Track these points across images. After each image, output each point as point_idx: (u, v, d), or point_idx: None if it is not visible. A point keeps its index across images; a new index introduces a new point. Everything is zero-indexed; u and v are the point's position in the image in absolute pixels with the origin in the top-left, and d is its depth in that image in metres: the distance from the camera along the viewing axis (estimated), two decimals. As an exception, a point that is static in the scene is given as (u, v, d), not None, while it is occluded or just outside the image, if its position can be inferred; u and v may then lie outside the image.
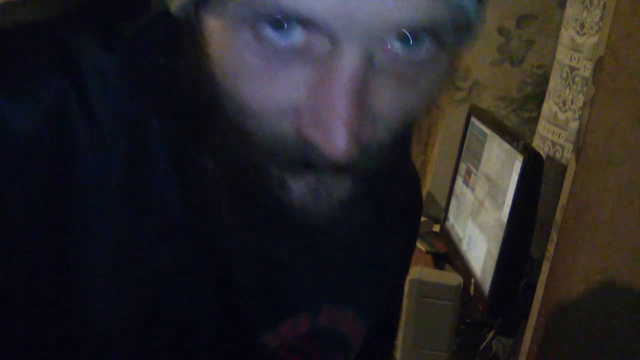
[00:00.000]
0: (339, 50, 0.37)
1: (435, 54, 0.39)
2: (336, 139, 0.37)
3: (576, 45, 1.28)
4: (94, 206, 0.41)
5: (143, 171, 0.43)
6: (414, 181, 0.63)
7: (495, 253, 1.15)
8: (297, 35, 0.37)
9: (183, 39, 0.40)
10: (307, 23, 0.36)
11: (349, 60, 0.37)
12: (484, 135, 1.37)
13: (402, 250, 0.64)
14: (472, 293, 1.24)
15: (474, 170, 1.40)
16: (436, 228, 1.72)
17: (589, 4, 1.25)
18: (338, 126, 0.37)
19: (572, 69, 1.29)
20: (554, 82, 1.37)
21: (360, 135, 0.38)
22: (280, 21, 0.36)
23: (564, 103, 1.32)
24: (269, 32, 0.37)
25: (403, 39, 0.38)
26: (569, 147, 1.27)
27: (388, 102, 0.40)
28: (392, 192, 0.47)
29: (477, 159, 1.39)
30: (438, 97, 0.44)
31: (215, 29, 0.38)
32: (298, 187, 0.41)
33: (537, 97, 1.65)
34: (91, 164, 0.41)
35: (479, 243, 1.27)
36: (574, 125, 1.24)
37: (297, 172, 0.41)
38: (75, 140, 0.40)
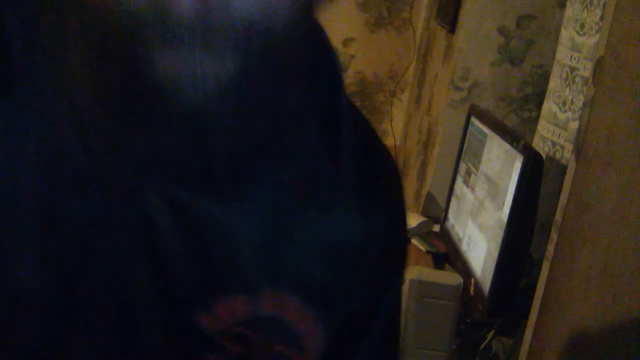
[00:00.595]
0: None
1: None
2: None
3: (576, 45, 1.28)
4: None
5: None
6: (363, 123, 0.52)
7: (495, 253, 1.15)
8: None
9: None
10: None
11: None
12: (484, 135, 1.37)
13: (367, 226, 0.49)
14: (472, 293, 1.24)
15: (474, 170, 1.40)
16: (436, 228, 1.72)
17: (589, 4, 1.25)
18: None
19: (572, 69, 1.29)
20: (554, 82, 1.37)
21: None
22: None
23: (564, 103, 1.32)
24: None
25: None
26: (569, 147, 1.27)
27: None
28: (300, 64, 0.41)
29: (477, 159, 1.39)
30: None
31: None
32: (167, 65, 0.36)
33: (537, 97, 1.65)
34: None
35: (479, 243, 1.27)
36: (574, 125, 1.24)
37: (166, 43, 0.35)
38: None
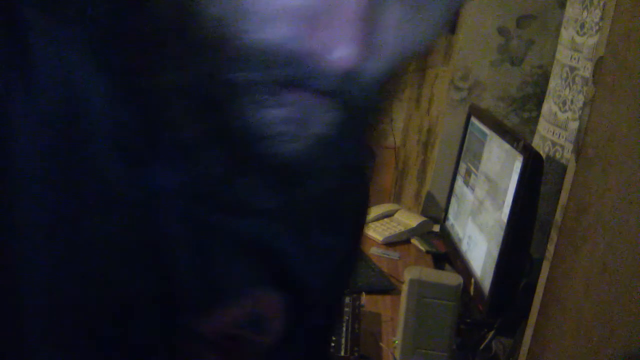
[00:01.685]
0: None
1: None
2: (346, 41, 0.34)
3: (576, 45, 1.28)
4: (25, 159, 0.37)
5: (80, 133, 0.38)
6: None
7: (495, 253, 1.15)
8: None
9: None
10: None
11: None
12: (484, 135, 1.37)
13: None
14: (472, 293, 1.24)
15: (474, 170, 1.40)
16: (436, 228, 1.72)
17: (589, 4, 1.25)
18: (350, 26, 0.34)
19: (572, 69, 1.29)
20: (554, 82, 1.37)
21: (367, 51, 0.35)
22: None
23: (564, 103, 1.32)
24: None
25: None
26: (569, 147, 1.27)
27: (393, 25, 0.37)
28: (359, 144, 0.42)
29: (477, 159, 1.39)
30: (436, 39, 0.41)
31: None
32: (273, 116, 0.37)
33: (537, 97, 1.65)
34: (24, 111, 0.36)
35: (479, 243, 1.27)
36: (574, 125, 1.24)
37: (282, 93, 0.36)
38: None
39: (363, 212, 0.59)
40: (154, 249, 0.42)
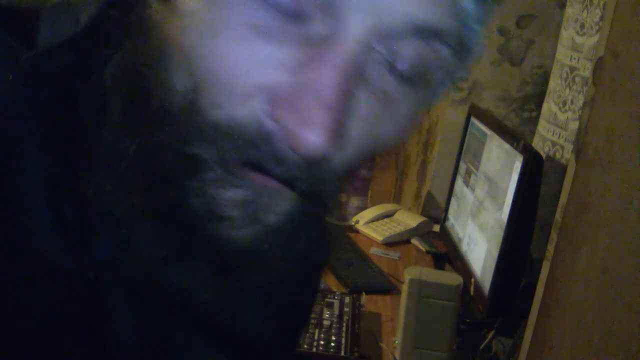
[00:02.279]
0: (338, 31, 0.33)
1: (421, 71, 0.36)
2: (315, 127, 0.33)
3: (576, 45, 1.28)
4: None
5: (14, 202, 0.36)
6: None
7: (495, 253, 1.15)
8: (298, 6, 0.33)
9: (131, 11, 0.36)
10: None
11: (347, 43, 0.33)
12: (484, 135, 1.37)
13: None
14: (472, 293, 1.24)
15: (474, 170, 1.40)
16: (436, 228, 1.72)
17: (589, 4, 1.25)
18: (321, 113, 0.33)
19: (572, 69, 1.29)
20: (554, 82, 1.37)
21: (334, 140, 0.33)
22: None
23: (564, 103, 1.32)
24: None
25: (390, 42, 0.35)
26: (569, 147, 1.27)
27: (364, 119, 0.36)
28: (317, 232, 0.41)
29: (477, 159, 1.39)
30: (404, 138, 0.40)
31: None
32: (230, 195, 0.35)
33: (537, 97, 1.65)
34: None
35: (479, 243, 1.27)
36: (574, 125, 1.24)
37: (241, 174, 0.35)
38: None
39: (305, 309, 0.58)
40: (91, 321, 0.40)
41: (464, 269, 1.32)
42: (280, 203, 0.36)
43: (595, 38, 1.19)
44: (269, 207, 0.36)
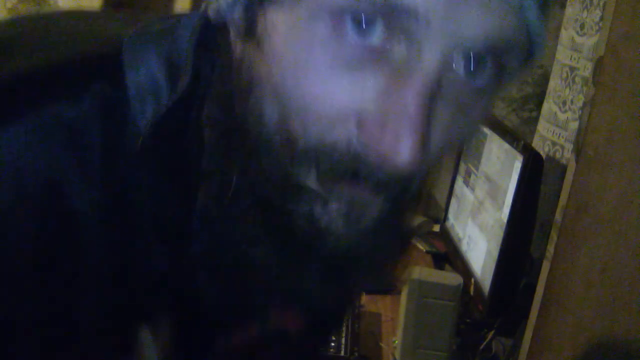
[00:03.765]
0: (418, 54, 0.36)
1: (493, 83, 0.39)
2: (405, 146, 0.36)
3: (576, 45, 1.28)
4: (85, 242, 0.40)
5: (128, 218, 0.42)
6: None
7: (495, 253, 1.15)
8: (377, 35, 0.36)
9: (221, 46, 0.40)
10: (393, 20, 0.36)
11: (428, 65, 0.36)
12: (484, 135, 1.37)
13: None
14: (472, 293, 1.24)
15: (474, 170, 1.40)
16: (436, 228, 1.72)
17: (589, 4, 1.25)
18: (409, 133, 0.36)
19: (572, 69, 1.29)
20: (554, 82, 1.37)
21: (419, 153, 0.37)
22: (364, 17, 0.35)
23: (564, 103, 1.32)
24: (349, 29, 0.36)
25: (468, 60, 0.38)
26: (569, 147, 1.27)
27: (442, 127, 0.39)
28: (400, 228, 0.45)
29: (477, 159, 1.39)
30: (472, 136, 0.44)
31: (281, 24, 0.38)
32: (330, 209, 0.39)
33: (537, 97, 1.65)
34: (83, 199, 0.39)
35: (479, 243, 1.27)
36: (574, 125, 1.24)
37: (335, 190, 0.39)
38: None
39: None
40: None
41: (464, 269, 1.32)
42: (372, 210, 0.40)
43: (595, 38, 1.19)
44: (362, 214, 0.40)
